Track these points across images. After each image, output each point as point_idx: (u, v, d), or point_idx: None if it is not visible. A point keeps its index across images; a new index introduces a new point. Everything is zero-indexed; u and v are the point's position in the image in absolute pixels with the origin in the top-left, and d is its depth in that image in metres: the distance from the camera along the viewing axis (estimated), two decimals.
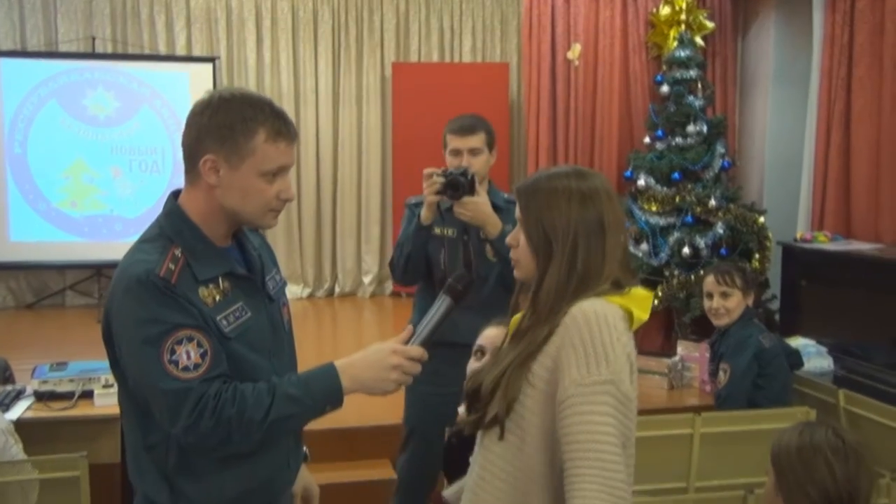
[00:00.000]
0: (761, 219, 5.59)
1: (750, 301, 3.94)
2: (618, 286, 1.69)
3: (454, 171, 3.09)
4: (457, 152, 3.23)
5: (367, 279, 8.09)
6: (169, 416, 1.74)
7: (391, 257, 3.35)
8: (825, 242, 5.19)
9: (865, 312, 4.75)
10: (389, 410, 4.48)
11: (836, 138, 5.43)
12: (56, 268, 7.49)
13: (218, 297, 1.82)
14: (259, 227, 1.94)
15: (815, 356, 4.61)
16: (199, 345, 1.74)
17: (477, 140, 3.23)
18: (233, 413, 1.73)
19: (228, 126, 1.78)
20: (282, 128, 1.82)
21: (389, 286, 8.09)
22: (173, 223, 1.86)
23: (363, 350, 1.87)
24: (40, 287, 7.58)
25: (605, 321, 1.59)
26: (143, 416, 1.83)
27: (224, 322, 1.81)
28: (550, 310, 1.65)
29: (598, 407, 1.52)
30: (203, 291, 1.80)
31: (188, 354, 1.73)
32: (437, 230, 3.23)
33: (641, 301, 1.70)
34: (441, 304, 1.92)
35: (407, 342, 1.88)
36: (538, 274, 1.71)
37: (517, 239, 1.77)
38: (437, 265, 3.24)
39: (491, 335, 2.38)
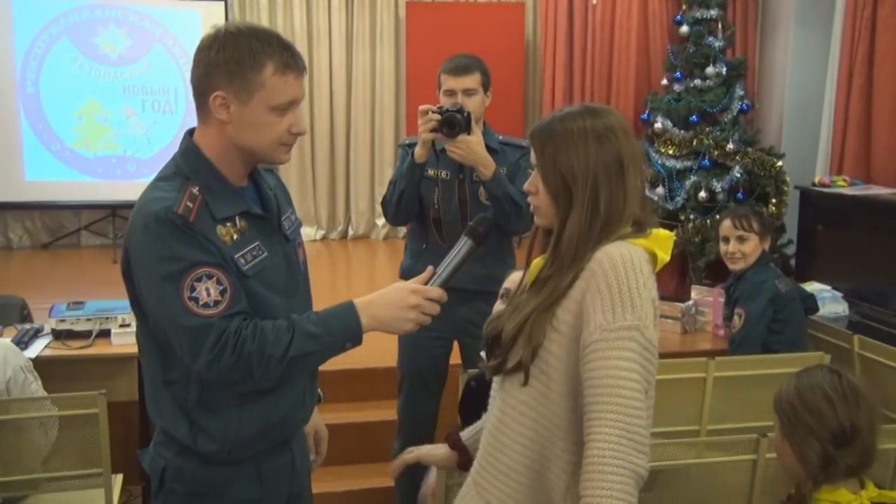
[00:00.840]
0: (779, 163, 5.52)
1: (767, 245, 3.92)
2: (640, 227, 1.68)
3: (451, 108, 3.04)
4: (451, 93, 3.18)
5: (380, 221, 8.09)
6: (190, 352, 1.75)
7: (384, 195, 3.32)
8: (844, 187, 5.13)
9: (882, 258, 4.70)
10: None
11: (859, 80, 5.32)
12: (71, 208, 7.53)
13: (236, 236, 1.82)
14: (272, 162, 1.92)
15: (830, 301, 4.59)
16: (219, 282, 1.75)
17: (472, 80, 3.17)
18: (253, 349, 1.74)
19: (236, 60, 1.76)
20: (290, 60, 1.80)
21: (403, 229, 8.06)
22: (190, 161, 1.85)
23: (383, 289, 1.87)
24: (56, 227, 7.62)
25: (632, 265, 1.57)
26: (163, 353, 1.85)
27: (242, 260, 1.81)
28: (574, 256, 1.63)
29: (622, 353, 1.51)
30: (221, 230, 1.80)
31: (208, 291, 1.74)
32: (431, 171, 3.21)
33: (664, 242, 1.69)
34: (462, 246, 1.91)
35: (427, 283, 1.88)
36: (559, 220, 1.68)
37: (536, 185, 1.73)
38: (431, 206, 3.23)
39: (516, 279, 2.38)
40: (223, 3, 7.41)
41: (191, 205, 1.76)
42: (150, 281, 1.77)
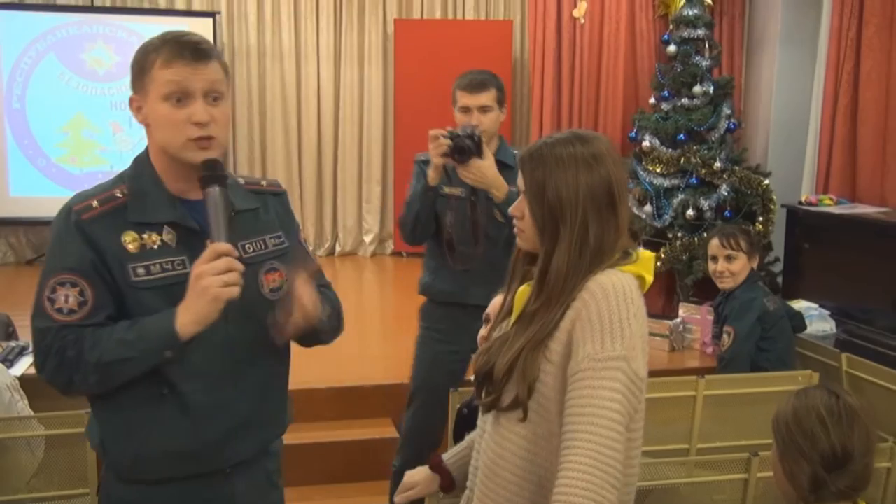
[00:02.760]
0: (766, 181, 5.55)
1: (755, 264, 3.93)
2: (626, 253, 1.66)
3: (461, 133, 3.02)
4: (466, 109, 3.18)
5: (367, 238, 8.08)
6: (34, 351, 1.80)
7: (400, 215, 3.31)
8: (830, 205, 5.16)
9: (868, 276, 4.74)
10: (391, 370, 4.52)
11: (844, 100, 5.36)
12: None
13: (151, 245, 1.80)
14: (186, 161, 1.80)
15: (817, 319, 4.61)
16: (81, 293, 1.76)
17: (487, 97, 3.16)
18: (72, 354, 1.74)
19: (137, 63, 1.82)
20: (178, 50, 1.78)
21: (390, 245, 8.10)
22: (136, 165, 1.88)
23: None
24: (40, 243, 7.55)
25: (624, 296, 1.55)
26: None
27: (140, 270, 1.78)
28: (563, 289, 1.59)
29: (607, 383, 1.49)
30: (128, 235, 1.79)
31: (66, 298, 1.76)
32: (446, 189, 3.18)
33: (647, 263, 1.67)
34: (215, 197, 1.79)
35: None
36: (544, 252, 1.64)
37: (522, 210, 1.70)
38: (445, 225, 3.20)
39: (497, 304, 2.37)
40: (211, 20, 7.40)
41: (96, 205, 1.79)
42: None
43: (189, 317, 1.73)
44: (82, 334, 1.75)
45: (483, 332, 2.37)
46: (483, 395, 1.69)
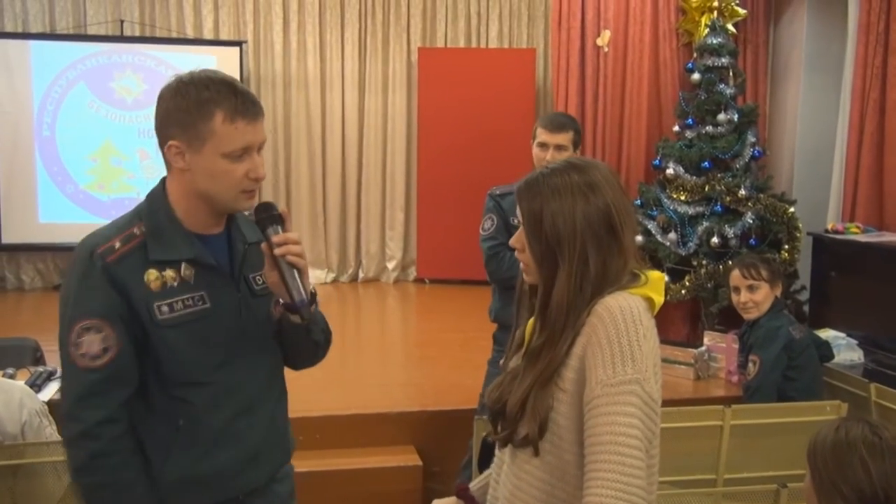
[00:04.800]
0: (791, 209, 5.52)
1: (778, 292, 3.91)
2: (634, 275, 1.63)
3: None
4: (544, 146, 3.45)
5: (390, 265, 8.10)
6: (62, 394, 1.81)
7: (490, 254, 3.49)
8: (857, 234, 5.12)
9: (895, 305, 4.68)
10: (414, 398, 4.51)
11: (870, 128, 5.34)
12: None
13: (171, 283, 1.81)
14: (233, 210, 1.89)
15: (844, 348, 4.55)
16: (105, 339, 1.76)
17: (565, 138, 3.45)
18: (105, 479, 1.77)
19: (186, 111, 1.77)
20: (239, 106, 1.78)
21: (413, 272, 8.11)
22: (151, 203, 1.87)
23: None
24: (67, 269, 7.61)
25: (632, 317, 1.53)
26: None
27: (164, 308, 1.80)
28: (566, 323, 1.58)
29: (623, 408, 1.47)
30: (151, 274, 1.80)
31: (91, 344, 1.75)
32: (516, 221, 3.34)
33: (657, 284, 1.65)
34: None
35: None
36: (543, 284, 1.63)
37: (521, 242, 1.69)
38: None
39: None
40: (238, 48, 7.49)
41: (119, 245, 1.78)
42: (60, 313, 1.81)
43: None
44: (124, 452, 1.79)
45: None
46: (498, 429, 1.69)
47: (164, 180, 1.90)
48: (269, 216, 1.84)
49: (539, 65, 7.88)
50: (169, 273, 1.81)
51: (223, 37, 7.68)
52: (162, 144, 1.82)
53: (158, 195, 1.87)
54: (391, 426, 4.30)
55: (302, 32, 7.83)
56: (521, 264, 1.72)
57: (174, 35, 7.59)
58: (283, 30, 7.79)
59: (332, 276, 8.02)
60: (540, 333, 1.62)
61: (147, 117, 7.27)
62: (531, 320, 1.69)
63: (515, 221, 3.37)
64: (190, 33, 7.63)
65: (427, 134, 7.71)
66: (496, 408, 1.67)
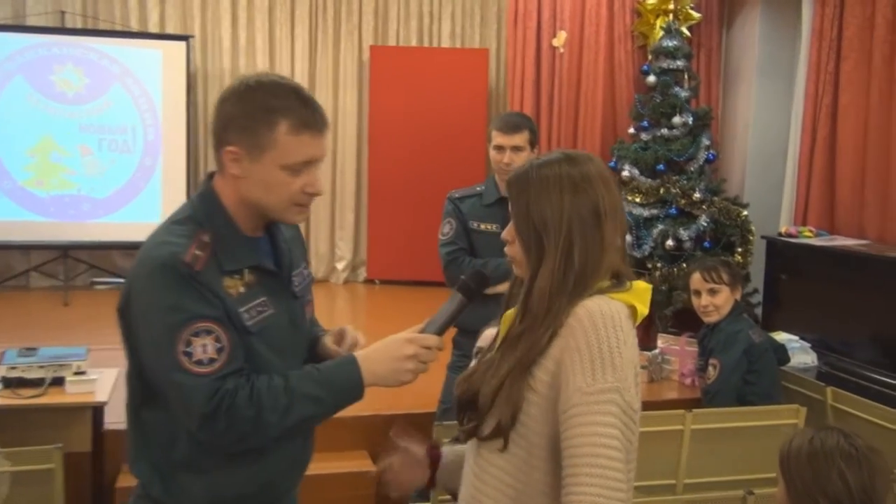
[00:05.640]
0: (744, 212, 5.56)
1: (738, 295, 3.90)
2: (619, 280, 1.60)
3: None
4: (500, 148, 3.41)
5: (340, 266, 7.99)
6: (183, 410, 1.67)
7: (447, 259, 3.47)
8: (810, 237, 5.16)
9: (849, 309, 4.73)
10: (367, 401, 4.40)
11: (823, 133, 5.40)
12: (20, 248, 7.27)
13: (242, 289, 1.74)
14: (283, 221, 1.84)
15: (798, 352, 4.58)
16: (217, 339, 1.66)
17: (520, 138, 3.40)
18: (249, 414, 1.65)
19: (250, 116, 1.70)
20: (308, 118, 1.72)
21: (363, 273, 8.01)
22: (206, 206, 1.78)
23: (378, 342, 1.78)
24: (3, 268, 7.36)
25: (613, 323, 1.48)
26: (153, 403, 1.76)
27: (246, 315, 1.73)
28: (548, 311, 1.54)
29: (602, 417, 1.43)
30: (228, 281, 1.72)
31: (204, 348, 1.65)
32: (483, 226, 3.44)
33: (642, 294, 1.61)
34: (453, 300, 1.83)
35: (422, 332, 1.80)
36: (529, 272, 1.60)
37: (512, 235, 1.65)
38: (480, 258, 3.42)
39: (489, 336, 2.29)
40: (185, 43, 7.30)
41: (199, 253, 1.69)
42: (148, 329, 1.69)
43: (375, 378, 1.74)
44: (257, 391, 1.67)
45: (474, 364, 2.29)
46: (464, 422, 1.63)
47: (210, 181, 1.82)
48: (477, 290, 1.84)
49: (492, 65, 7.84)
50: (238, 280, 1.74)
51: (169, 31, 7.48)
52: (218, 147, 1.75)
53: (212, 199, 1.79)
54: (344, 431, 4.16)
55: (251, 28, 7.67)
56: (510, 258, 1.68)
57: (118, 28, 7.37)
58: (231, 25, 7.62)
59: None
60: (521, 321, 1.58)
61: (90, 112, 7.13)
62: (508, 312, 1.65)
63: (475, 225, 3.40)
64: (134, 26, 7.42)
65: (378, 134, 7.63)
66: (465, 397, 1.62)
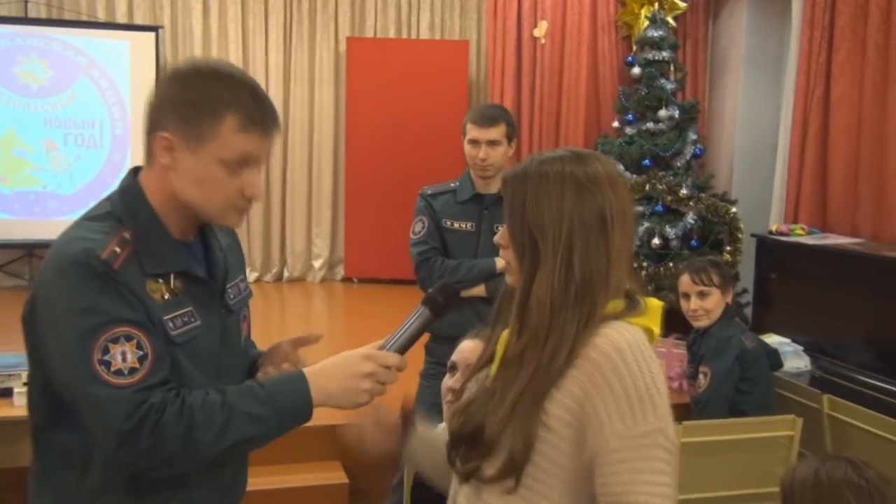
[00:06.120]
0: (733, 209, 5.41)
1: (729, 298, 3.70)
2: (632, 300, 1.42)
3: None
4: (475, 142, 3.24)
5: (317, 263, 7.80)
6: (100, 428, 1.48)
7: (419, 260, 3.30)
8: (802, 236, 5.00)
9: (843, 311, 4.57)
10: (340, 410, 4.22)
11: (815, 126, 5.25)
12: None
13: (167, 296, 1.56)
14: (219, 224, 1.69)
15: (791, 356, 4.40)
16: (139, 346, 1.48)
17: (497, 132, 3.23)
18: (178, 433, 1.46)
19: (194, 105, 1.54)
20: (257, 115, 1.57)
21: (340, 271, 7.85)
22: (127, 202, 1.61)
23: (332, 357, 1.61)
24: None
25: (643, 356, 1.32)
26: (61, 421, 1.57)
27: (171, 324, 1.55)
28: (550, 326, 1.35)
29: (652, 463, 1.28)
30: (151, 285, 1.55)
31: (124, 356, 1.46)
32: (457, 224, 3.30)
33: (655, 314, 1.43)
34: (418, 315, 1.63)
35: (382, 348, 1.62)
36: (523, 282, 1.42)
37: (506, 237, 1.47)
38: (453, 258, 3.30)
39: (465, 349, 2.09)
40: (154, 34, 7.08)
41: (118, 250, 1.51)
42: (57, 336, 1.50)
43: (325, 397, 1.56)
44: (189, 406, 1.48)
45: (449, 381, 2.09)
46: (459, 461, 1.43)
47: (135, 174, 1.65)
48: (445, 305, 1.65)
49: (472, 57, 7.66)
50: (162, 285, 1.57)
51: (138, 21, 7.24)
52: (150, 132, 1.58)
53: (136, 194, 1.61)
54: (315, 440, 3.98)
55: (223, 18, 7.44)
56: (504, 265, 1.51)
57: (84, 18, 7.13)
58: (202, 15, 7.39)
59: (255, 275, 7.67)
60: (518, 339, 1.40)
61: (55, 105, 6.91)
62: (504, 332, 1.46)
63: (448, 224, 3.23)
64: (101, 16, 7.18)
65: (355, 127, 7.45)
66: (465, 431, 1.42)
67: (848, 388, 4.15)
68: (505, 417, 1.35)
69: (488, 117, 3.24)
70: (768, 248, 5.17)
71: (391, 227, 6.88)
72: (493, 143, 3.20)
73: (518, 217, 1.43)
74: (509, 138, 3.26)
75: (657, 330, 1.41)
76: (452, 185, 3.38)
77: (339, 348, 1.65)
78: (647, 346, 1.35)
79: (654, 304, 1.45)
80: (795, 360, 4.44)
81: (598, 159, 1.47)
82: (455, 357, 2.12)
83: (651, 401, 1.30)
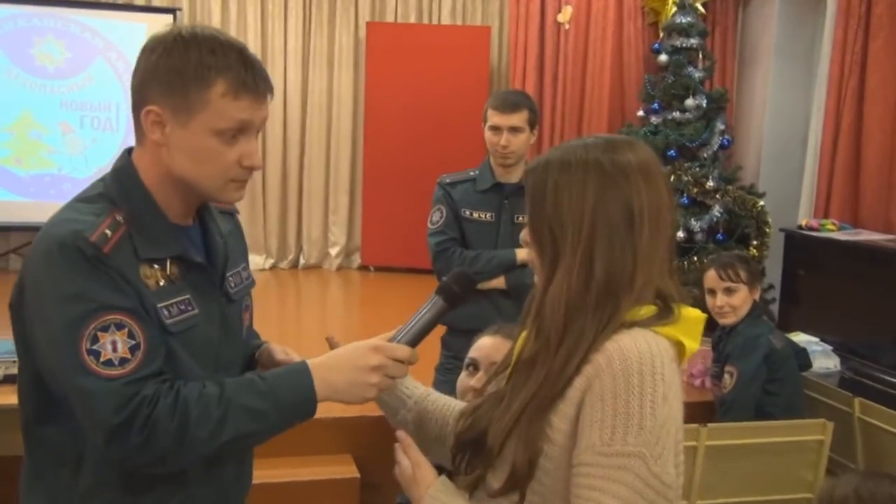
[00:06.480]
0: (761, 202, 5.29)
1: (757, 295, 3.59)
2: (666, 306, 1.27)
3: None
4: (496, 129, 3.17)
5: (333, 251, 7.72)
6: (89, 422, 1.42)
7: (437, 248, 3.25)
8: (833, 231, 4.86)
9: (875, 309, 4.44)
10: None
11: (848, 118, 5.12)
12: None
13: (162, 282, 1.48)
14: (219, 200, 1.62)
15: (820, 355, 4.28)
16: (131, 335, 1.41)
17: (519, 118, 3.16)
18: (172, 427, 1.39)
19: (179, 72, 1.46)
20: (248, 79, 1.49)
21: (357, 259, 7.77)
22: (121, 183, 1.54)
23: (337, 349, 1.57)
24: None
25: (651, 370, 1.18)
26: (50, 414, 1.51)
27: (166, 312, 1.47)
28: (565, 329, 1.24)
29: (611, 486, 1.16)
30: (145, 270, 1.48)
31: (114, 345, 1.40)
32: (476, 214, 3.23)
33: (693, 326, 1.29)
34: (432, 305, 1.55)
35: (392, 340, 1.54)
36: (542, 280, 1.31)
37: (527, 234, 1.37)
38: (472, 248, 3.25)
39: (485, 346, 1.97)
40: (172, 16, 7.00)
41: (109, 233, 1.45)
42: (44, 323, 1.44)
43: (330, 391, 1.49)
44: (183, 400, 1.41)
45: (469, 380, 1.97)
46: (464, 468, 1.34)
47: (129, 154, 1.59)
48: (461, 296, 1.57)
49: (493, 44, 7.53)
50: (158, 271, 1.51)
51: (156, 3, 7.19)
52: (136, 108, 1.52)
53: (129, 174, 1.55)
54: (326, 433, 3.94)
55: (242, 2, 7.37)
56: (530, 262, 1.40)
57: (101, 0, 7.06)
58: None
59: (270, 262, 7.63)
60: (534, 342, 1.29)
61: (71, 88, 6.86)
62: (523, 334, 1.36)
63: (467, 213, 3.15)
64: None
65: (374, 114, 7.36)
66: (469, 437, 1.33)
67: (879, 390, 4.04)
68: (508, 427, 1.26)
69: (510, 103, 3.17)
70: (797, 243, 5.05)
71: (409, 216, 6.80)
72: (514, 129, 3.14)
73: (538, 210, 1.34)
74: (532, 125, 3.20)
75: (691, 344, 1.28)
76: (472, 173, 3.31)
77: (354, 338, 1.58)
78: (667, 362, 1.21)
79: (693, 316, 1.31)
80: (824, 360, 4.32)
81: (630, 147, 1.34)
82: (474, 354, 2.02)
83: (639, 422, 1.17)
